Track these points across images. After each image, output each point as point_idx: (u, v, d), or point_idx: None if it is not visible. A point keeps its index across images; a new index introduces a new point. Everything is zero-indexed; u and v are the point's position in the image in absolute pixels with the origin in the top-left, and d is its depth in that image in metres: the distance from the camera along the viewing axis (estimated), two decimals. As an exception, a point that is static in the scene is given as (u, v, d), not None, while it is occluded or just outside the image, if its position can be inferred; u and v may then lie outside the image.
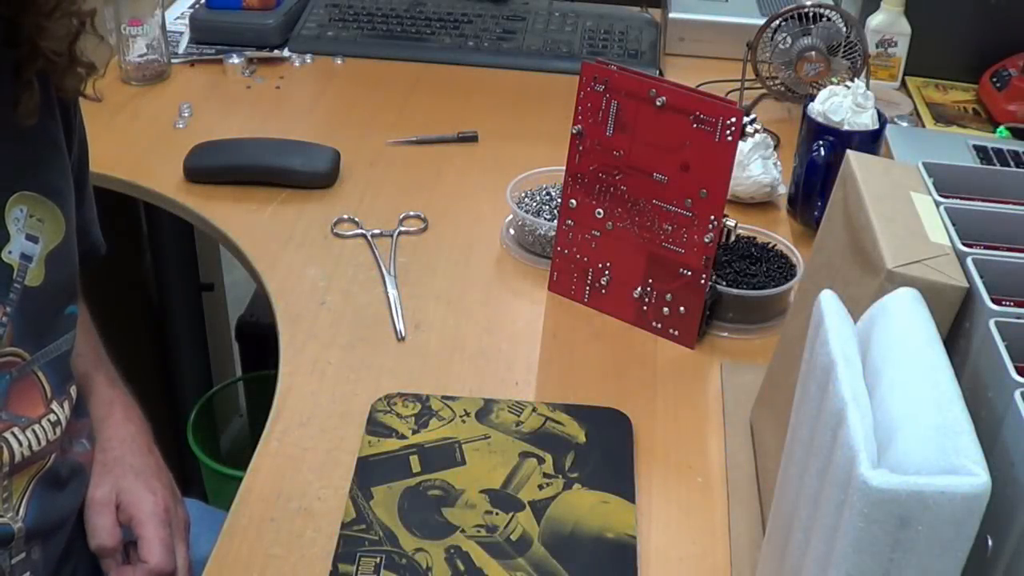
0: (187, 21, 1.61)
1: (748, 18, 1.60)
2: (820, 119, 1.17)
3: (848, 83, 1.21)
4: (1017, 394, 0.58)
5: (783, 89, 1.44)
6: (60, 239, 0.88)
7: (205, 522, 1.06)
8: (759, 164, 1.21)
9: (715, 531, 0.84)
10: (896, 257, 0.68)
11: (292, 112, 1.45)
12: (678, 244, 1.01)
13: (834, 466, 0.57)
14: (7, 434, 0.84)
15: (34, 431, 0.86)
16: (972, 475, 0.53)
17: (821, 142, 1.16)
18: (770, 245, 1.10)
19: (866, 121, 1.17)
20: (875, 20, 1.51)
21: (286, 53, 1.57)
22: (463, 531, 0.80)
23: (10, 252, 0.84)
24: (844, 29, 1.38)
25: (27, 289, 0.85)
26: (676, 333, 1.04)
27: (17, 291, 0.84)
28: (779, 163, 1.24)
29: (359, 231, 1.17)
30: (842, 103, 1.17)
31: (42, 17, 0.81)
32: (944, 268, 0.68)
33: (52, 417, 0.88)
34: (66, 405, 0.90)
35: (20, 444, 0.85)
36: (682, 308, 1.03)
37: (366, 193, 1.25)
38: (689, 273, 1.02)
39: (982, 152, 1.34)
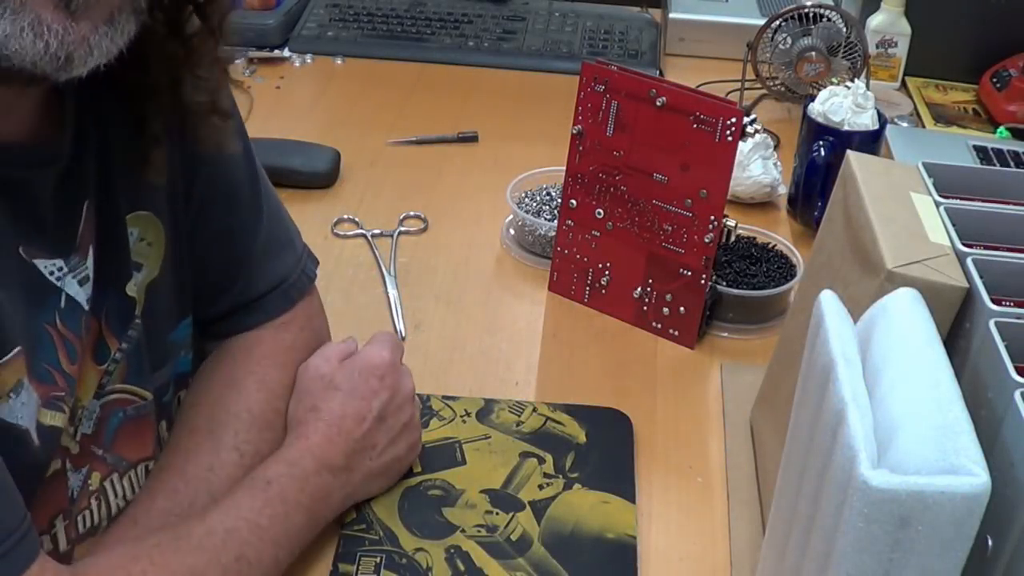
0: (187, 21, 1.61)
1: (748, 18, 1.60)
2: (820, 119, 1.18)
3: (848, 83, 1.21)
4: (1017, 394, 0.58)
5: (783, 89, 1.44)
6: (159, 270, 0.79)
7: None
8: (759, 164, 1.21)
9: (715, 531, 0.84)
10: (896, 257, 0.68)
11: (292, 112, 1.45)
12: (678, 244, 1.01)
13: (834, 466, 0.57)
14: (107, 483, 0.75)
15: (130, 478, 0.77)
16: (972, 475, 0.53)
17: (821, 142, 1.16)
18: (770, 245, 1.10)
19: (866, 121, 1.17)
20: (875, 20, 1.51)
21: (286, 53, 1.57)
22: (463, 531, 0.80)
23: (135, 285, 0.76)
24: (844, 29, 1.39)
25: (141, 322, 0.77)
26: (676, 333, 1.04)
27: (138, 328, 0.76)
28: (779, 163, 1.24)
29: (359, 231, 1.17)
30: (842, 103, 1.17)
31: (197, 68, 0.73)
32: (944, 268, 0.68)
33: (152, 463, 0.79)
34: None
35: (116, 495, 0.76)
36: (682, 308, 1.03)
37: (366, 193, 1.25)
38: (689, 273, 1.02)
39: (982, 152, 1.34)
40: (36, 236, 0.67)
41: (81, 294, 0.70)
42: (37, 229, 0.68)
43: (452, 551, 0.79)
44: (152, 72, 0.71)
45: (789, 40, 1.39)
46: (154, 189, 0.77)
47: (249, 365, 0.84)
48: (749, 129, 1.22)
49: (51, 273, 0.68)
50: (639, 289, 1.05)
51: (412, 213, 1.20)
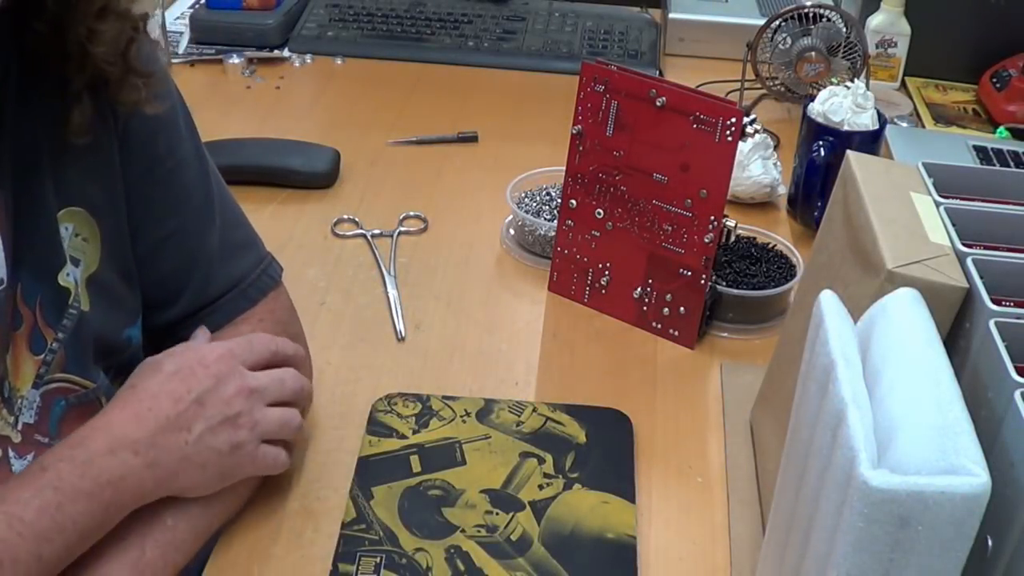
0: (187, 21, 1.61)
1: (748, 18, 1.60)
2: (820, 119, 1.18)
3: (848, 83, 1.21)
4: (1017, 394, 0.58)
5: (783, 89, 1.44)
6: (97, 265, 0.80)
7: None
8: (759, 164, 1.21)
9: (715, 531, 0.84)
10: (896, 257, 0.68)
11: (292, 112, 1.45)
12: (678, 244, 1.01)
13: (834, 466, 0.57)
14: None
15: None
16: (972, 475, 0.53)
17: (821, 142, 1.16)
18: (770, 245, 1.10)
19: (866, 121, 1.17)
20: (875, 20, 1.51)
21: (286, 53, 1.57)
22: (463, 531, 0.80)
23: (67, 275, 0.76)
24: (844, 29, 1.39)
25: (82, 314, 0.78)
26: (676, 333, 1.04)
27: (73, 317, 0.77)
28: (779, 163, 1.24)
29: (359, 231, 1.17)
30: (842, 103, 1.17)
31: (91, 19, 0.72)
32: (944, 268, 0.68)
33: None
34: None
35: None
36: (682, 308, 1.03)
37: (366, 193, 1.25)
38: (689, 273, 1.02)
39: (982, 152, 1.34)
40: None
41: None
42: None
43: (452, 551, 0.79)
44: (63, 31, 0.71)
45: (789, 40, 1.39)
46: (89, 186, 0.78)
47: None
48: (749, 129, 1.22)
49: None
50: (639, 289, 1.05)
51: (412, 213, 1.20)
